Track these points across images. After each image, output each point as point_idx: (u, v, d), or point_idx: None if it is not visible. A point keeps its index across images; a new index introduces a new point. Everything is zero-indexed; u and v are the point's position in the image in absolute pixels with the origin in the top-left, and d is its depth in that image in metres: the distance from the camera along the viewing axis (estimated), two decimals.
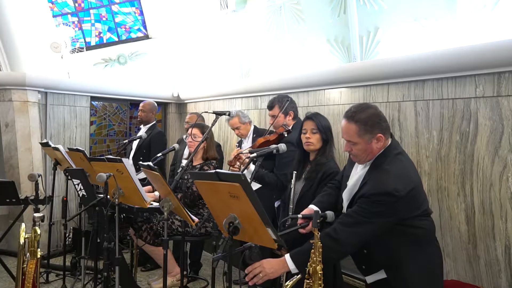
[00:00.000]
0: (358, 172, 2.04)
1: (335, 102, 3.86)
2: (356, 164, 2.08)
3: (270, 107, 3.33)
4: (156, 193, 3.62)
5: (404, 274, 1.93)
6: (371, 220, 1.86)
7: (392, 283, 1.96)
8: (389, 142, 1.99)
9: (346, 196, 2.06)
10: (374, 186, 1.88)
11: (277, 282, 2.70)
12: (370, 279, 2.05)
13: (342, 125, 1.99)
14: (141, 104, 4.80)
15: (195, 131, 3.69)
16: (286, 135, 3.13)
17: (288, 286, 1.86)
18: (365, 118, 1.92)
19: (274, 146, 2.67)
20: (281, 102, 3.30)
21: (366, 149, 1.94)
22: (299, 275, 1.89)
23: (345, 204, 2.06)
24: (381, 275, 1.99)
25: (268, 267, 1.89)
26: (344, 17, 3.77)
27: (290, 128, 3.19)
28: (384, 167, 1.91)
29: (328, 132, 2.61)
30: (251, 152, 2.81)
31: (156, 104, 4.91)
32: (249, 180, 1.93)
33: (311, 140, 2.59)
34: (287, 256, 1.91)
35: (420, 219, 1.94)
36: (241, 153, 3.09)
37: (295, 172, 2.67)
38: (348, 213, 1.94)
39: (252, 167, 2.93)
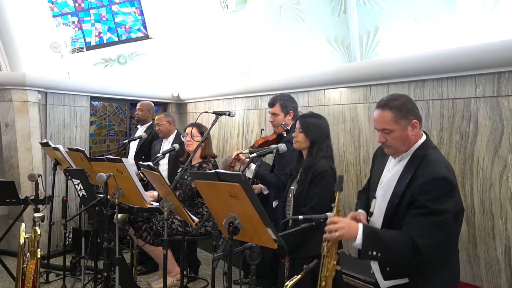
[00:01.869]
0: (392, 168, 1.96)
1: (335, 102, 3.86)
2: (388, 161, 2.01)
3: (272, 104, 3.33)
4: (155, 192, 3.62)
5: (431, 282, 1.83)
6: (443, 207, 1.72)
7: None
8: (424, 137, 1.93)
9: (381, 192, 1.96)
10: (426, 174, 1.78)
11: (277, 281, 2.70)
12: (386, 284, 1.94)
13: (375, 116, 1.92)
14: (138, 104, 4.86)
15: (193, 130, 3.70)
16: (285, 134, 3.14)
17: (288, 286, 1.86)
18: (399, 104, 1.88)
19: (274, 146, 2.68)
20: (283, 100, 3.30)
21: (402, 136, 1.87)
22: (299, 275, 1.89)
23: (380, 200, 1.94)
24: (400, 280, 1.89)
25: (347, 229, 1.78)
26: (344, 17, 3.77)
27: (289, 127, 3.20)
28: (427, 158, 1.84)
29: (316, 132, 2.57)
30: (251, 152, 2.82)
31: (153, 105, 4.97)
32: (248, 180, 1.93)
33: (297, 138, 2.61)
34: (360, 227, 1.78)
35: (457, 219, 1.85)
36: (241, 153, 3.10)
37: (291, 172, 2.69)
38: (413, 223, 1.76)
39: (253, 166, 2.94)
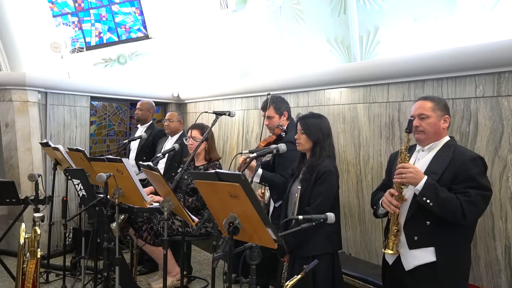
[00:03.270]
0: (421, 158, 2.20)
1: (335, 102, 3.86)
2: (414, 154, 2.24)
3: (265, 107, 3.33)
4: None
5: (454, 259, 2.06)
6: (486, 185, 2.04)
7: (439, 267, 2.04)
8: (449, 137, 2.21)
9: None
10: (469, 154, 2.11)
11: (277, 280, 2.70)
12: (412, 262, 2.11)
13: (416, 104, 2.21)
14: (139, 103, 4.83)
15: (195, 133, 3.68)
16: (283, 135, 3.15)
17: (288, 286, 1.86)
18: (439, 100, 2.21)
19: (274, 146, 2.68)
20: (275, 102, 3.30)
21: (435, 124, 2.15)
22: (299, 275, 1.89)
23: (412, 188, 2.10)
24: (427, 257, 2.08)
25: (414, 175, 2.04)
26: (344, 17, 3.77)
27: (285, 128, 3.22)
28: (460, 147, 2.19)
29: (317, 133, 2.58)
30: (251, 152, 2.82)
31: (154, 104, 4.94)
32: (249, 180, 1.93)
33: (299, 140, 2.62)
34: (425, 177, 2.02)
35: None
36: (241, 153, 3.10)
37: (293, 172, 2.69)
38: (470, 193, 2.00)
39: (260, 171, 2.96)
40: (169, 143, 4.39)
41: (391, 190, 2.15)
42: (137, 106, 4.81)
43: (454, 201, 1.98)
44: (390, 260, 2.25)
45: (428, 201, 1.99)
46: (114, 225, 2.84)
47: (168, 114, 4.56)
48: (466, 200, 1.98)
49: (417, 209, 2.10)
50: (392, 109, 3.36)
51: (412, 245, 2.11)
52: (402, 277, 2.16)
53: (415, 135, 2.20)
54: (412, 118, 2.19)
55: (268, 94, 3.36)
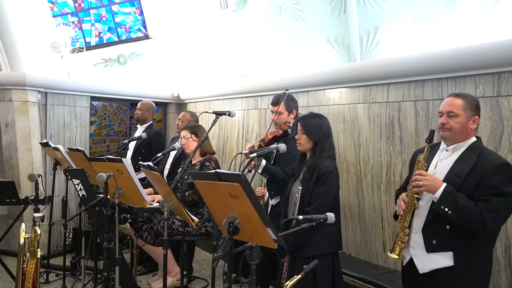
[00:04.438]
0: (445, 159, 2.12)
1: (335, 102, 3.86)
2: (438, 154, 2.16)
3: (276, 103, 3.36)
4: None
5: (473, 264, 2.00)
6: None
7: (457, 272, 2.00)
8: (475, 138, 2.12)
9: (438, 177, 2.09)
10: (494, 160, 2.02)
11: (277, 280, 2.70)
12: (428, 265, 2.07)
13: (446, 100, 2.11)
14: (139, 103, 4.84)
15: (184, 133, 3.75)
16: (290, 131, 3.20)
17: (288, 286, 1.86)
18: (471, 99, 2.10)
19: (274, 146, 2.69)
20: (287, 100, 3.34)
21: (463, 124, 2.05)
22: (299, 275, 1.89)
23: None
24: (444, 261, 2.03)
25: (432, 182, 1.99)
26: (344, 17, 3.77)
27: (292, 125, 3.25)
28: (486, 150, 2.10)
29: (318, 133, 2.57)
30: (251, 152, 2.82)
31: (154, 105, 4.93)
32: (249, 180, 1.93)
33: (300, 141, 2.61)
34: (444, 185, 1.98)
35: None
36: (240, 153, 3.12)
37: (293, 172, 2.69)
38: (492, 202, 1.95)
39: (264, 162, 3.03)
40: (179, 144, 4.34)
41: (404, 195, 2.13)
42: (137, 106, 4.82)
43: (474, 209, 1.93)
44: (404, 261, 2.21)
45: (446, 209, 1.95)
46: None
47: (181, 114, 4.54)
48: (487, 208, 1.92)
49: (437, 212, 2.03)
50: (392, 109, 3.36)
51: (430, 249, 2.07)
52: (420, 279, 2.12)
53: (440, 133, 2.12)
54: (440, 114, 2.12)
55: (286, 90, 3.38)
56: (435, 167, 2.14)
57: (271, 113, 3.41)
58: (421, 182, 2.01)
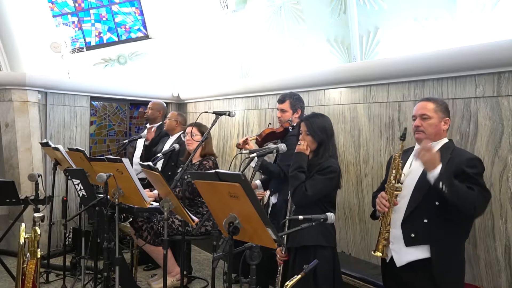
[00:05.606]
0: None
1: (335, 102, 3.86)
2: (412, 155, 2.24)
3: (282, 100, 3.38)
4: (155, 191, 3.63)
5: (449, 256, 2.09)
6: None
7: (434, 263, 2.07)
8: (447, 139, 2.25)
9: (408, 181, 2.20)
10: (466, 154, 2.19)
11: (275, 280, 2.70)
12: (404, 258, 2.15)
13: (418, 105, 2.26)
14: (150, 103, 4.91)
15: (194, 130, 3.72)
16: (291, 129, 3.21)
17: (288, 286, 1.86)
18: (441, 102, 2.27)
19: (274, 146, 2.70)
20: (293, 98, 3.36)
21: (436, 125, 2.20)
22: (299, 275, 1.89)
23: (410, 179, 2.19)
24: (421, 253, 2.12)
25: (435, 157, 2.03)
26: (344, 17, 3.77)
27: (294, 124, 3.26)
28: (459, 149, 2.27)
29: (322, 134, 2.60)
30: (251, 152, 2.83)
31: (165, 105, 5.00)
32: (249, 179, 1.93)
33: (304, 142, 2.62)
34: (441, 164, 2.03)
35: None
36: (240, 153, 3.15)
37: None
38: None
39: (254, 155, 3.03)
40: (168, 144, 4.40)
41: (383, 193, 2.20)
42: (148, 106, 4.89)
43: (467, 190, 2.02)
44: (387, 258, 2.28)
45: (444, 187, 2.00)
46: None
47: (170, 113, 4.68)
48: (478, 193, 2.03)
49: (415, 207, 2.14)
50: (392, 109, 3.36)
51: (409, 242, 2.15)
52: (399, 272, 2.20)
53: (415, 135, 2.24)
54: (414, 118, 2.24)
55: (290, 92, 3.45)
56: (410, 167, 2.25)
57: (277, 111, 3.43)
58: (427, 153, 2.03)
